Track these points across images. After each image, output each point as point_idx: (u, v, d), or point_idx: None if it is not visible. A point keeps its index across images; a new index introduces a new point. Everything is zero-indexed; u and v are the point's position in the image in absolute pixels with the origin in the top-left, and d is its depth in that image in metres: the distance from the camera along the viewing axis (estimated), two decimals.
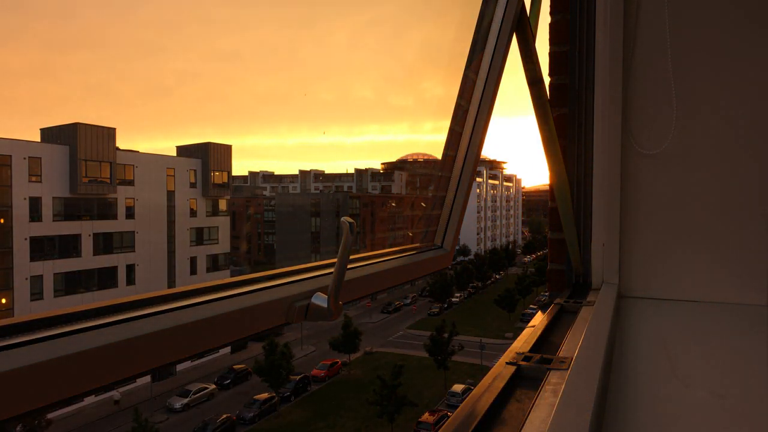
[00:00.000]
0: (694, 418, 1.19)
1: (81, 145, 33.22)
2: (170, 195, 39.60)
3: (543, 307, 2.05)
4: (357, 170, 79.16)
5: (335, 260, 0.98)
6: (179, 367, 33.22)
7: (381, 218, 59.12)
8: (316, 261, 1.22)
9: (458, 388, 33.05)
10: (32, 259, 31.29)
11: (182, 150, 42.75)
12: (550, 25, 2.44)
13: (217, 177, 43.04)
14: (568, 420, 0.88)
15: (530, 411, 1.12)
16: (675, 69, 2.13)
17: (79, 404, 28.92)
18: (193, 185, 41.51)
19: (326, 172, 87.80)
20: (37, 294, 31.40)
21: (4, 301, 30.53)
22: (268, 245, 65.24)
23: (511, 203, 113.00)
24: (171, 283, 37.96)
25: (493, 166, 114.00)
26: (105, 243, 35.33)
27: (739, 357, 1.60)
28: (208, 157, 42.27)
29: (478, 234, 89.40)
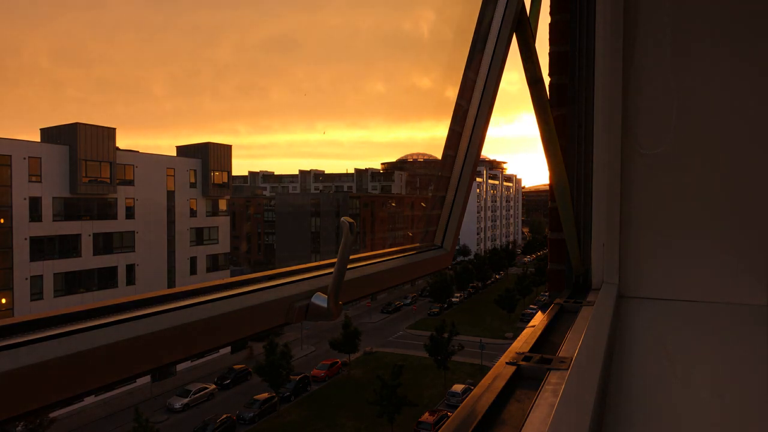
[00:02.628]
0: (694, 418, 1.19)
1: (81, 145, 33.23)
2: (170, 195, 39.61)
3: (543, 307, 2.05)
4: (357, 170, 79.21)
5: (335, 260, 0.98)
6: (179, 367, 33.22)
7: (381, 218, 59.13)
8: (316, 261, 1.22)
9: (458, 388, 33.05)
10: (32, 259, 31.29)
11: (182, 150, 42.77)
12: (550, 25, 2.44)
13: (217, 177, 43.05)
14: (568, 420, 0.88)
15: (530, 411, 1.12)
16: (675, 68, 2.13)
17: (79, 404, 28.93)
18: (193, 185, 41.53)
19: (326, 172, 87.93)
20: (37, 294, 31.40)
21: (4, 301, 30.53)
22: (268, 245, 65.25)
23: (511, 203, 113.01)
24: (171, 283, 37.97)
25: (493, 166, 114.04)
26: (105, 243, 35.33)
27: (739, 357, 1.60)
28: (208, 157, 42.28)
29: (478, 234, 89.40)
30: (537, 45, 2.06)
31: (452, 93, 1.88)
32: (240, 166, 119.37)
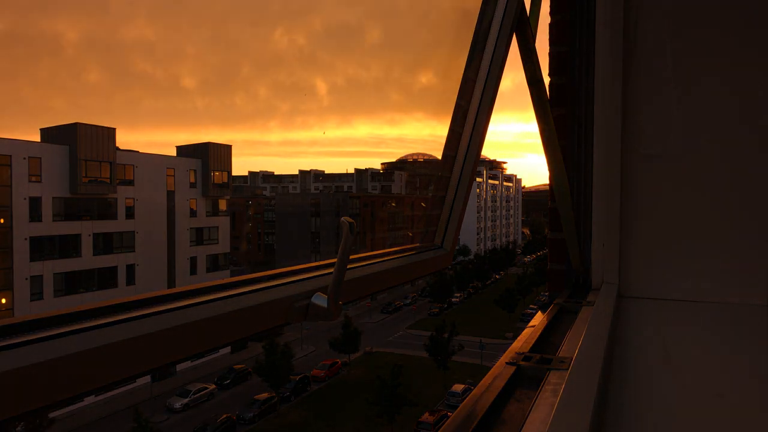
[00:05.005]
0: (694, 418, 1.19)
1: (81, 145, 33.23)
2: (170, 195, 39.60)
3: (543, 307, 2.06)
4: (357, 170, 79.26)
5: (335, 260, 0.98)
6: (179, 367, 33.22)
7: (381, 218, 59.17)
8: (315, 261, 1.22)
9: (458, 388, 33.05)
10: (32, 259, 31.30)
11: (182, 150, 42.77)
12: (550, 25, 2.44)
13: (217, 177, 43.05)
14: (568, 420, 0.88)
15: (530, 411, 1.12)
16: (675, 68, 2.13)
17: (79, 404, 28.93)
18: (193, 185, 41.53)
19: (326, 172, 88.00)
20: (37, 294, 31.39)
21: (4, 301, 30.54)
22: (268, 245, 65.27)
23: (511, 203, 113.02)
24: (171, 283, 37.96)
25: (493, 166, 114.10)
26: (105, 243, 35.34)
27: (739, 357, 1.60)
28: (208, 157, 42.28)
29: (478, 234, 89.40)
30: (537, 45, 2.06)
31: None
32: (269, 164, 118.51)
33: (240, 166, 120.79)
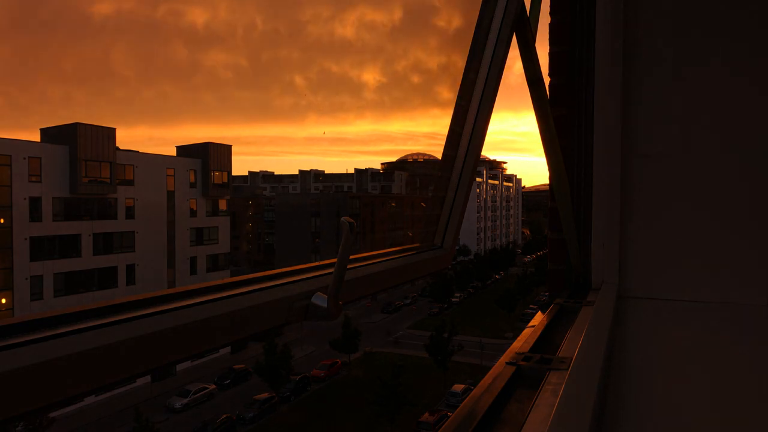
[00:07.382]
0: (694, 418, 1.19)
1: (81, 145, 33.24)
2: (170, 195, 39.61)
3: (543, 307, 2.05)
4: (357, 170, 79.28)
5: (335, 260, 0.98)
6: (179, 367, 33.22)
7: (381, 218, 59.18)
8: (315, 261, 1.22)
9: (458, 388, 33.04)
10: (32, 259, 31.30)
11: (182, 150, 42.78)
12: (550, 25, 2.44)
13: (217, 177, 43.05)
14: (568, 420, 0.88)
15: (530, 411, 1.12)
16: (675, 68, 2.13)
17: (79, 404, 28.93)
18: (193, 185, 41.53)
19: (326, 172, 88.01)
20: (37, 294, 31.40)
21: (4, 301, 30.54)
22: (268, 245, 65.27)
23: (511, 203, 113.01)
24: (171, 283, 37.96)
25: (493, 166, 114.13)
26: (105, 243, 35.34)
27: (739, 357, 1.60)
28: (208, 157, 42.28)
29: (478, 234, 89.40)
30: (537, 45, 2.06)
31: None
32: (292, 163, 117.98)
33: (261, 164, 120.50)
